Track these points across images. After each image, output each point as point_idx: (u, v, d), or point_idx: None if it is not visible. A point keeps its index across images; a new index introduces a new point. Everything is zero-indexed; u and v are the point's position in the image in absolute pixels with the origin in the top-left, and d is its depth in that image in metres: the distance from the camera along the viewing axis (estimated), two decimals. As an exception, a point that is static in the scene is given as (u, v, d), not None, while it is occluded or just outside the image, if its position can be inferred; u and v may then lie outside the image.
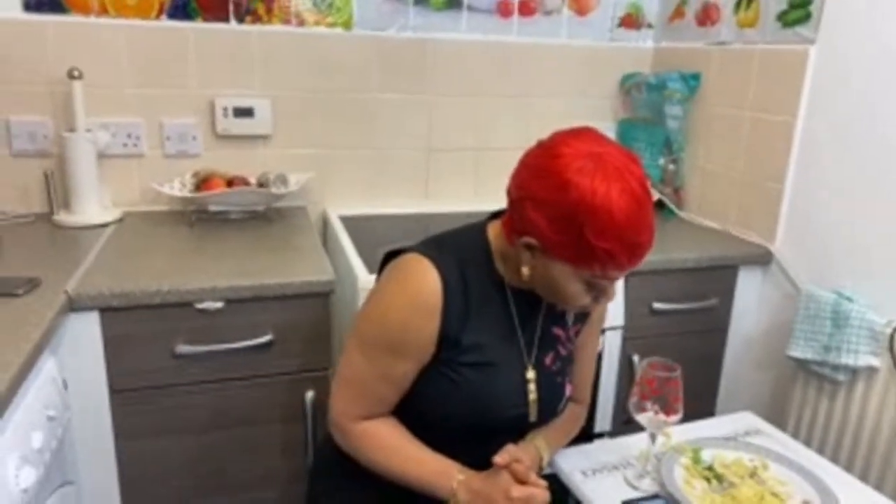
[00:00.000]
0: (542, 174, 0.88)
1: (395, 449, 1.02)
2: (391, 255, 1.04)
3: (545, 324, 1.07)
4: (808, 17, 1.59)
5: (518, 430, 1.08)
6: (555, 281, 0.93)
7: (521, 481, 0.96)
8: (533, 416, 1.06)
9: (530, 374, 1.05)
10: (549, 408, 1.08)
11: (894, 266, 1.43)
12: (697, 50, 1.94)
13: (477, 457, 1.01)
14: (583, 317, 1.13)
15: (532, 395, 1.04)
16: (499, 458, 0.96)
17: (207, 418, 1.36)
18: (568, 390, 1.11)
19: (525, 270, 0.95)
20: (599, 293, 0.95)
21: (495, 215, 1.05)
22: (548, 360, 1.07)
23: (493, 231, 1.02)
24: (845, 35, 1.51)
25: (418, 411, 1.03)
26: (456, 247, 1.01)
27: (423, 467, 1.00)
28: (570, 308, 1.02)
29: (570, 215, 0.85)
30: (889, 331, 1.38)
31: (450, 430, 1.03)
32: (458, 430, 1.02)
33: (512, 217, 0.95)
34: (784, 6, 1.65)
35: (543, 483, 0.97)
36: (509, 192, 0.95)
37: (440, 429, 1.03)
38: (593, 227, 0.84)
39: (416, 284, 0.96)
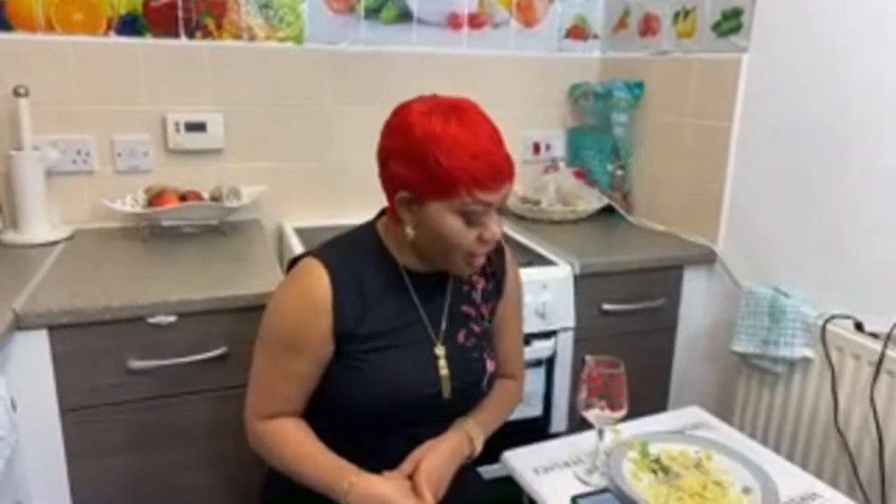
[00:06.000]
0: (392, 131, 1.00)
1: (296, 446, 1.06)
2: (296, 260, 1.09)
3: (453, 303, 1.12)
4: (739, 27, 1.67)
5: (437, 411, 1.10)
6: (434, 225, 0.98)
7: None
8: (447, 393, 1.09)
9: (439, 350, 1.09)
10: (467, 383, 1.11)
11: (825, 262, 1.50)
12: (640, 59, 2.01)
13: (403, 447, 1.06)
14: (493, 295, 1.18)
15: (444, 371, 1.08)
16: (405, 465, 1.04)
17: (161, 434, 1.35)
18: (490, 366, 1.14)
19: (409, 231, 1.01)
20: (482, 229, 0.99)
21: (381, 214, 1.12)
22: (461, 338, 1.12)
23: (382, 226, 1.09)
24: (775, 44, 1.59)
25: (334, 408, 1.06)
26: (350, 246, 1.08)
27: (320, 466, 1.04)
28: (466, 264, 1.03)
29: (420, 151, 0.94)
30: (821, 322, 1.44)
31: (369, 421, 1.06)
32: (377, 417, 1.06)
33: (384, 183, 1.02)
34: (718, 17, 1.73)
35: (430, 500, 1.01)
36: (378, 163, 1.03)
37: (360, 421, 1.06)
38: (443, 153, 0.93)
39: (306, 284, 1.02)
